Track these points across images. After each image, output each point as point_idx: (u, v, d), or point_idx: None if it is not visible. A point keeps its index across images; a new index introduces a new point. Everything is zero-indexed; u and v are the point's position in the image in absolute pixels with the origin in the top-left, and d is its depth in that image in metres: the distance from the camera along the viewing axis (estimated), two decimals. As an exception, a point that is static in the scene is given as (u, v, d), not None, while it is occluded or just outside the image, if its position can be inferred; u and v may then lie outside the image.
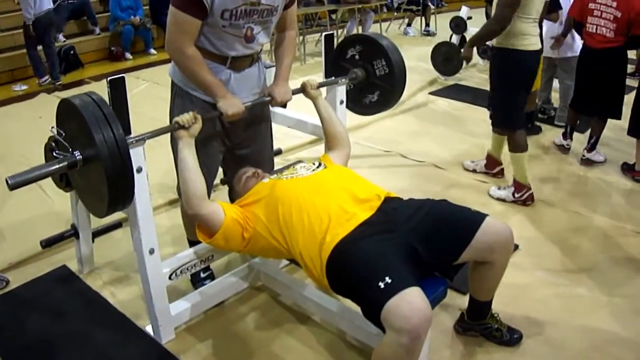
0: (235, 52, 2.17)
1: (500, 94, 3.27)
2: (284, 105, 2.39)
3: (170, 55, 2.14)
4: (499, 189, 3.47)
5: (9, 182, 1.73)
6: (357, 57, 2.78)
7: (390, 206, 1.94)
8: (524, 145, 3.27)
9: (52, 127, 1.92)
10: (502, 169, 3.69)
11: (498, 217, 1.94)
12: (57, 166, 1.81)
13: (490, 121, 3.53)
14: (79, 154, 1.82)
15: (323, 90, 2.57)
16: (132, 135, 1.95)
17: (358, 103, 2.91)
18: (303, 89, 2.45)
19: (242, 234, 2.01)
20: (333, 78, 2.74)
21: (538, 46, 3.13)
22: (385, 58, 2.69)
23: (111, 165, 1.74)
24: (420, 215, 1.90)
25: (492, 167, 3.69)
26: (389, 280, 1.62)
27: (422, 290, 1.63)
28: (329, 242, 1.80)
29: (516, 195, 3.37)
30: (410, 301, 1.58)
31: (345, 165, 2.34)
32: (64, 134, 1.88)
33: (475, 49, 6.46)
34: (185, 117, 2.00)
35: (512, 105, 3.24)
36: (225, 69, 2.19)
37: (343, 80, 2.73)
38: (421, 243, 1.81)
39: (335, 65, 2.86)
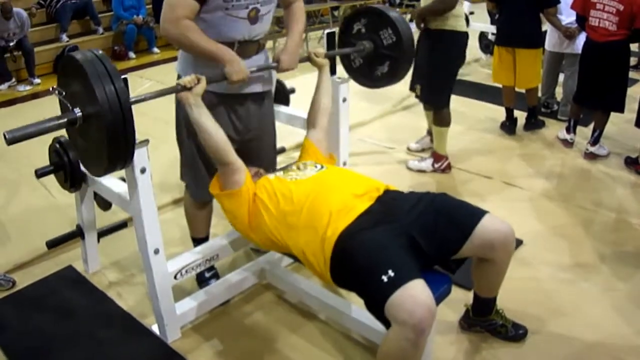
0: (242, 36, 2.16)
1: (435, 73, 3.42)
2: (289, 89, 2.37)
3: (165, 34, 2.07)
4: (418, 161, 3.74)
5: (7, 136, 1.68)
6: (363, 30, 2.73)
7: (390, 197, 1.95)
8: (448, 121, 3.56)
9: (52, 87, 1.88)
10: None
11: (501, 214, 1.93)
12: (57, 122, 1.76)
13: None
14: (79, 111, 1.78)
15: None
16: (133, 96, 1.86)
17: (368, 77, 2.80)
18: (309, 58, 2.47)
19: (247, 212, 2.04)
20: (341, 50, 2.73)
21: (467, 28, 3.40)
22: (391, 26, 2.62)
23: (112, 120, 1.69)
24: (420, 207, 1.89)
25: None
26: (392, 274, 1.61)
27: (425, 283, 1.62)
28: (331, 235, 1.80)
29: (435, 165, 3.70)
30: (413, 295, 1.58)
31: (326, 128, 2.40)
32: (64, 93, 1.83)
33: (478, 43, 6.39)
34: (187, 79, 1.98)
35: (444, 84, 3.46)
36: None
37: (345, 78, 2.71)
38: (421, 235, 1.81)
39: (341, 42, 2.80)
